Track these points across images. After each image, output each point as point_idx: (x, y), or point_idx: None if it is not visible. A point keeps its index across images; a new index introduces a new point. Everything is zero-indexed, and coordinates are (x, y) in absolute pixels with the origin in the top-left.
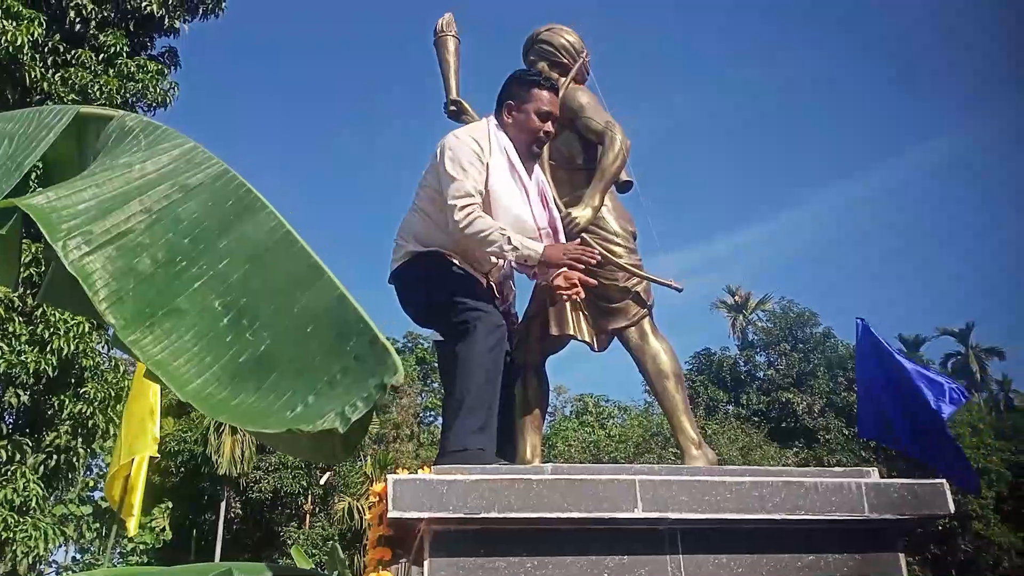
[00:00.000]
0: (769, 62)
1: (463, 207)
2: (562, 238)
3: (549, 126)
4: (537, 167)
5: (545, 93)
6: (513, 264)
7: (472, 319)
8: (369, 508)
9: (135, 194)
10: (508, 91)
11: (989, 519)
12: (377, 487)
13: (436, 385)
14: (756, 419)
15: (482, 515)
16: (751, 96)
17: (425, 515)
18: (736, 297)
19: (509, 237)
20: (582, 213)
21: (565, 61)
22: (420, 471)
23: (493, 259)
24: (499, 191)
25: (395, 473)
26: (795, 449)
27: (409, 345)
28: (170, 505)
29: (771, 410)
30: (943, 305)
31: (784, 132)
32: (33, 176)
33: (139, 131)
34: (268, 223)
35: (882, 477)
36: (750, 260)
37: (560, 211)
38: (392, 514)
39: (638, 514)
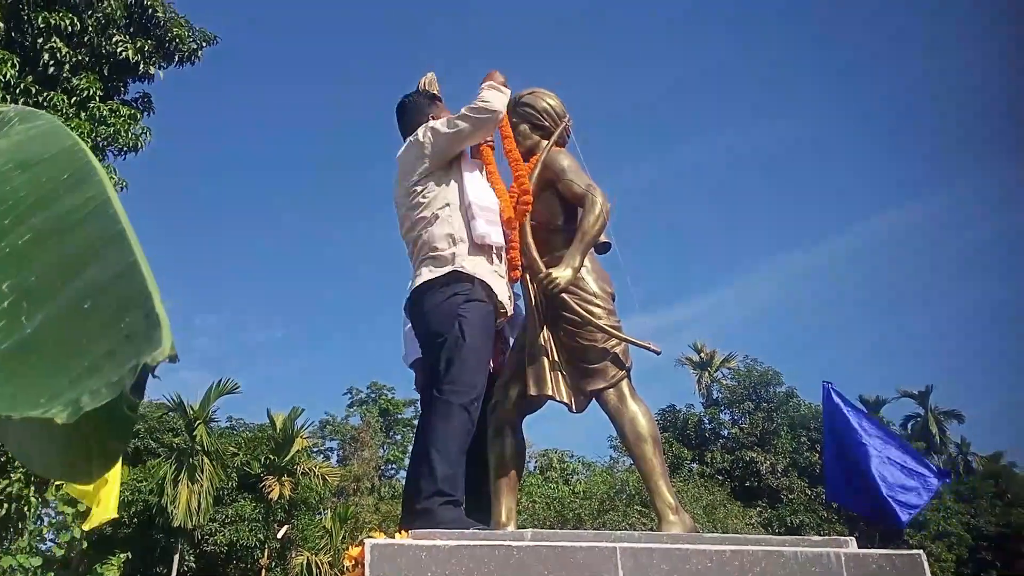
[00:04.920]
0: (738, 129)
1: (453, 123)
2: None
3: None
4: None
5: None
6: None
7: (450, 395)
8: (343, 572)
9: None
10: (420, 112)
11: None
12: (353, 551)
13: (399, 438)
14: (720, 477)
15: None
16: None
17: None
18: (702, 354)
19: (489, 87)
20: (562, 273)
21: (547, 124)
22: (397, 535)
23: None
24: (466, 176)
25: (371, 536)
26: (758, 508)
27: (373, 395)
28: (129, 555)
29: (735, 469)
30: (903, 368)
31: (743, 201)
32: None
33: (16, 120)
34: (89, 192)
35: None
36: (712, 322)
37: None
38: None
39: None
